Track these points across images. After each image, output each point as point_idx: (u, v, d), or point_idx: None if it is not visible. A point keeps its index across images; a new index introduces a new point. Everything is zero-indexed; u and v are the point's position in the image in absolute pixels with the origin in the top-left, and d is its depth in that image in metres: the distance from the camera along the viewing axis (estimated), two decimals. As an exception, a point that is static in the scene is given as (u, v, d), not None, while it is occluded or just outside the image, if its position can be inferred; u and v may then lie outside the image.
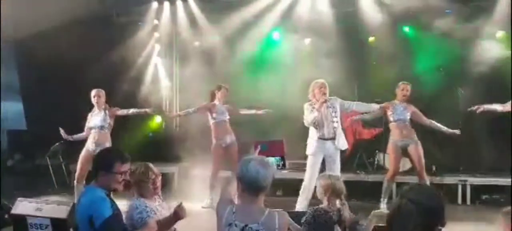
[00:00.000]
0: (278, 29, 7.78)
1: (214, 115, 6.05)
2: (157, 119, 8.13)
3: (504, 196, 6.09)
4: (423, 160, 5.58)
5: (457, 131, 5.53)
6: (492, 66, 6.74)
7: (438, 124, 5.58)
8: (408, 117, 5.58)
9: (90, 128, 5.70)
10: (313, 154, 5.28)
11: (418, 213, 1.73)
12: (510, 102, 5.15)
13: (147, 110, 6.03)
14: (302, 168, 6.12)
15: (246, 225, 2.26)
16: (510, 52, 6.96)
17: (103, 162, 2.69)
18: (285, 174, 6.61)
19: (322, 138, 5.23)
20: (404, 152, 5.68)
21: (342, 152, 5.83)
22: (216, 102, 6.11)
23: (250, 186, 2.30)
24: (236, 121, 6.36)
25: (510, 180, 6.07)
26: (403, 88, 5.64)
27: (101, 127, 5.65)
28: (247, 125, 6.56)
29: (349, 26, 7.44)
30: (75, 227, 3.49)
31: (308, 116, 5.24)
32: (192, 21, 7.94)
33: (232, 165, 5.80)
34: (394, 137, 5.64)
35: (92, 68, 7.27)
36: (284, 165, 6.63)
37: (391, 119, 5.62)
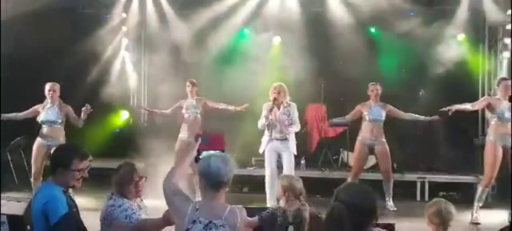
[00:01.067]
0: (248, 27, 7.82)
1: (183, 110, 6.11)
2: (124, 115, 8.02)
3: (459, 192, 6.40)
4: (389, 160, 5.79)
5: (437, 117, 5.70)
6: (453, 68, 7.03)
7: (416, 115, 5.80)
8: (384, 117, 5.74)
9: (42, 122, 5.58)
10: (266, 152, 5.43)
11: (349, 213, 1.80)
12: (482, 100, 5.46)
13: (87, 106, 5.54)
14: (261, 164, 6.24)
15: (210, 222, 2.31)
16: (470, 54, 7.29)
17: (60, 159, 2.63)
18: (251, 171, 6.69)
19: (273, 139, 5.37)
20: (370, 151, 5.86)
21: (307, 149, 5.97)
22: (188, 97, 6.15)
23: (212, 182, 2.35)
24: (208, 113, 6.38)
25: (465, 177, 6.40)
26: (373, 89, 5.79)
27: (55, 122, 5.55)
28: (214, 120, 6.58)
29: (317, 25, 7.56)
30: (32, 224, 3.44)
31: (260, 121, 5.41)
32: (161, 15, 7.86)
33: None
34: (363, 135, 5.79)
35: (56, 61, 7.08)
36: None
37: (366, 118, 5.75)
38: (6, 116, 5.61)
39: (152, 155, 6.82)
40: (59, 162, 2.62)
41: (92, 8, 7.84)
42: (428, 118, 5.78)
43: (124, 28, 7.90)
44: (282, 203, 3.34)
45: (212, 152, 2.55)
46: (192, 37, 7.81)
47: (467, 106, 5.37)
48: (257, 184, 6.08)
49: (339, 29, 7.45)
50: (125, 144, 7.40)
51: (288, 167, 5.30)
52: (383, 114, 5.75)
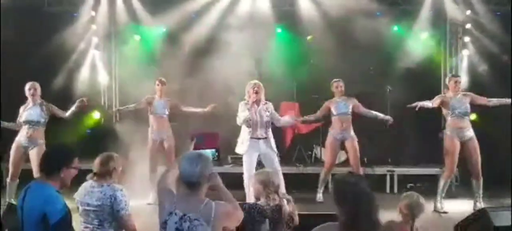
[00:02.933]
0: (220, 25, 7.84)
1: (152, 109, 6.07)
2: (95, 115, 7.85)
3: (426, 184, 6.74)
4: (358, 154, 6.04)
5: (390, 118, 6.02)
6: (417, 65, 7.34)
7: (374, 112, 6.10)
8: (350, 110, 6.02)
9: (25, 123, 5.44)
10: (246, 153, 5.36)
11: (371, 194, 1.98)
12: (437, 98, 5.76)
13: (83, 99, 5.74)
14: (240, 162, 6.33)
15: (185, 214, 2.39)
16: (433, 52, 7.64)
17: (65, 158, 2.68)
18: (228, 168, 6.75)
19: (255, 138, 5.34)
20: (341, 145, 6.10)
21: (281, 146, 6.11)
22: (156, 96, 6.13)
23: (186, 180, 2.45)
24: (181, 114, 6.41)
25: (430, 169, 6.74)
26: (337, 85, 6.09)
27: (37, 123, 5.45)
28: (190, 119, 6.60)
29: (289, 24, 7.69)
30: (16, 228, 3.42)
31: (241, 114, 5.33)
32: (132, 13, 7.75)
33: (169, 160, 5.87)
34: (334, 130, 6.04)
35: (21, 60, 6.84)
36: (218, 157, 6.83)
37: (334, 113, 6.03)
38: (6, 125, 5.47)
39: (124, 156, 6.75)
40: (64, 162, 2.66)
41: (59, 6, 7.61)
42: (384, 116, 6.06)
43: (93, 27, 7.72)
44: (262, 200, 3.37)
45: (190, 151, 2.64)
46: (163, 35, 7.76)
47: (428, 104, 5.71)
48: (234, 182, 6.14)
49: (309, 27, 7.65)
50: (96, 145, 7.25)
51: (273, 166, 5.25)
52: (349, 107, 6.03)
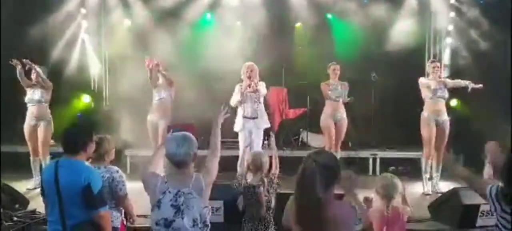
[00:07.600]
0: (210, 11, 7.92)
1: (156, 91, 6.10)
2: (86, 99, 7.93)
3: (407, 167, 7.00)
4: (343, 136, 6.21)
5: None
6: (403, 52, 7.51)
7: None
8: (344, 95, 6.14)
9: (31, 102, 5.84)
10: (240, 131, 5.74)
11: (319, 170, 2.12)
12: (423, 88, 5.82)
13: None
14: (230, 145, 6.51)
15: (179, 190, 2.58)
16: (418, 39, 7.81)
17: (89, 135, 2.95)
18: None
19: (245, 117, 5.67)
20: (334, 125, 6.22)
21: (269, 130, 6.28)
22: (160, 79, 6.17)
23: (172, 160, 2.63)
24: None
25: (411, 153, 6.94)
26: (334, 68, 6.17)
27: (39, 101, 5.87)
28: (183, 106, 6.72)
29: (277, 10, 7.80)
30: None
31: (234, 97, 5.68)
32: (122, -3, 7.79)
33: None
34: (329, 112, 6.14)
35: (9, 44, 6.86)
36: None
37: (332, 97, 6.10)
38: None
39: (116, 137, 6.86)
40: (88, 138, 2.92)
41: (48, -11, 7.59)
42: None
43: (83, 10, 7.74)
44: (249, 176, 3.69)
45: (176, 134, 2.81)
46: (154, 20, 7.80)
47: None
48: (222, 164, 6.31)
49: (298, 14, 7.77)
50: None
51: (256, 145, 5.62)
52: (343, 92, 6.15)
